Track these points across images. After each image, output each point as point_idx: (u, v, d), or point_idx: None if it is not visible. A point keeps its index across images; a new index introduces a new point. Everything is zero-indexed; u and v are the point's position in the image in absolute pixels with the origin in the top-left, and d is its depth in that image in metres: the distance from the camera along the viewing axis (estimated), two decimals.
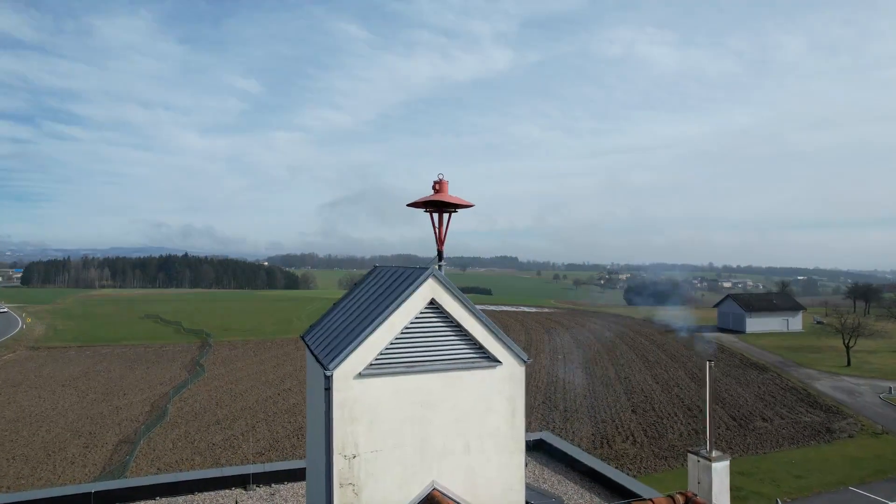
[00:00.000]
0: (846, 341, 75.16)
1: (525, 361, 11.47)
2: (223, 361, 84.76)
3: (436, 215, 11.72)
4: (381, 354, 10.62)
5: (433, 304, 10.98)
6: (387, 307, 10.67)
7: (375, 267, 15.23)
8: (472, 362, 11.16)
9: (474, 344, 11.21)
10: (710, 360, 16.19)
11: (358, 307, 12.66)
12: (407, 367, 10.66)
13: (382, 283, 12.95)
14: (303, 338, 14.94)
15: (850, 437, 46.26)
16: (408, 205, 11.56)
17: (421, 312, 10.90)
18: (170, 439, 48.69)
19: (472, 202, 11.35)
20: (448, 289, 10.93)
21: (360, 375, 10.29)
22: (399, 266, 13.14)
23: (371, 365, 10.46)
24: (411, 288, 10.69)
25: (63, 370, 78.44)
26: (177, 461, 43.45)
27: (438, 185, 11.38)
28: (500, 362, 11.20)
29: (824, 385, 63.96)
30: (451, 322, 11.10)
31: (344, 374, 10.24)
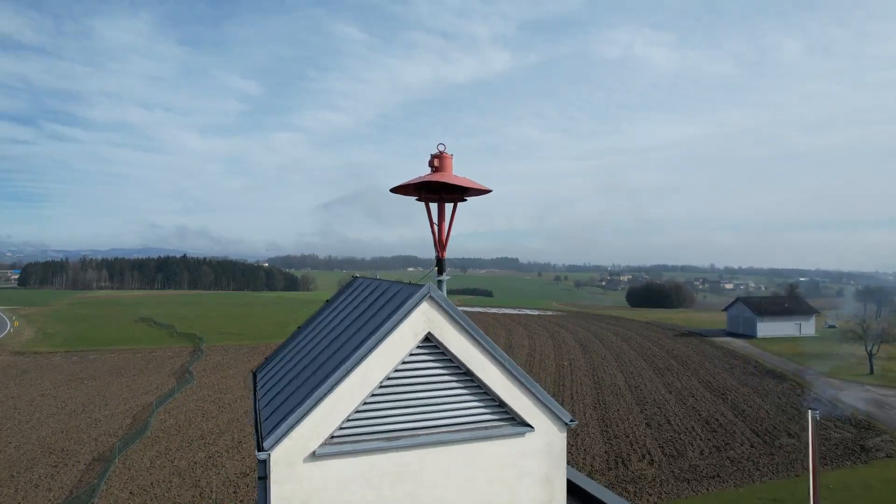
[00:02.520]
0: (869, 348, 71.37)
1: (568, 424, 7.81)
2: (214, 368, 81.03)
3: (435, 205, 8.10)
4: (350, 421, 6.89)
5: (429, 343, 7.26)
6: (359, 346, 6.98)
7: (355, 278, 11.49)
8: (490, 428, 7.44)
9: (492, 401, 7.52)
10: (812, 410, 12.51)
11: (321, 342, 8.96)
12: (388, 439, 6.94)
13: (359, 304, 9.24)
14: (255, 374, 11.30)
15: (888, 456, 42.45)
16: (392, 190, 7.76)
17: (411, 354, 7.19)
18: (148, 457, 44.97)
19: (488, 186, 7.72)
20: (452, 317, 7.24)
21: (315, 456, 6.56)
22: (385, 280, 9.50)
23: (332, 438, 6.73)
24: (396, 317, 6.97)
25: (45, 378, 74.74)
26: (152, 483, 39.71)
27: (438, 161, 7.67)
28: (530, 427, 7.48)
29: (849, 396, 60.15)
30: (458, 368, 7.42)
31: (288, 455, 6.50)
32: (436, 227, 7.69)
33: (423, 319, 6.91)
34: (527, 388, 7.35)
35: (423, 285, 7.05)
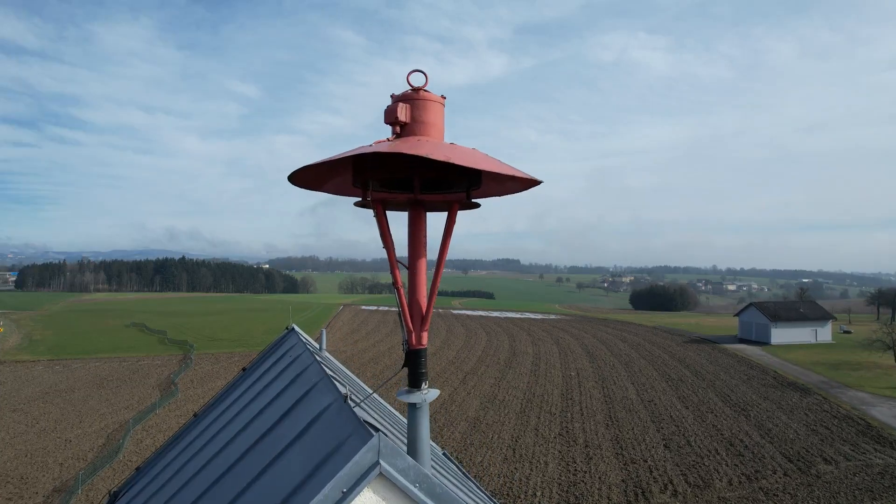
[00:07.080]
0: None
1: None
2: (201, 379, 76.77)
3: (403, 215, 3.72)
4: None
5: None
6: None
7: (289, 331, 7.16)
8: None
9: None
10: None
11: (191, 481, 4.61)
12: None
13: (264, 410, 4.88)
14: (113, 497, 6.93)
15: None
16: (291, 178, 3.37)
17: None
18: (116, 486, 40.67)
19: (535, 176, 3.37)
20: None
21: None
22: (316, 363, 4.90)
23: None
24: None
25: (22, 391, 70.55)
26: None
27: (407, 110, 3.22)
28: None
29: (883, 413, 55.66)
30: None
31: None
32: (398, 268, 3.27)
33: None
34: None
35: (368, 443, 2.71)
